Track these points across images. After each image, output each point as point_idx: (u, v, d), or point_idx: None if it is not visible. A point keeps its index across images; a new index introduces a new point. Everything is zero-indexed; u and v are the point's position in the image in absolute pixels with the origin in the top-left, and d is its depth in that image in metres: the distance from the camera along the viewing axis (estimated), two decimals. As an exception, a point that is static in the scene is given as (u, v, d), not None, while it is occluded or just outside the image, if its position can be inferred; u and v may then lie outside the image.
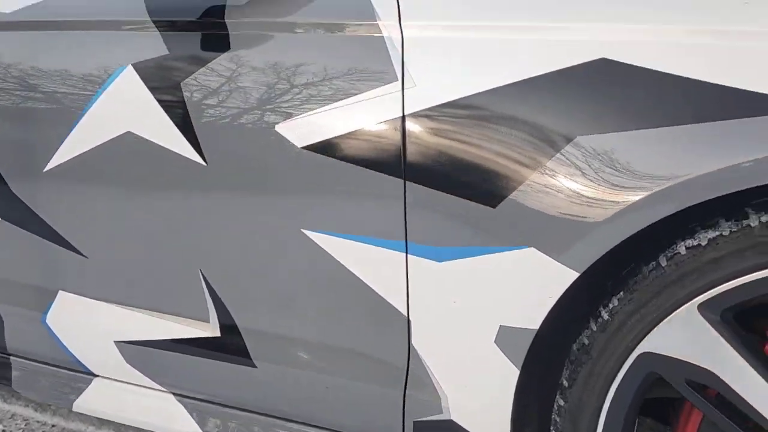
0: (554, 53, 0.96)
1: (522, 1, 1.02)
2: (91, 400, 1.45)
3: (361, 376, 1.17)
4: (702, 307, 0.89)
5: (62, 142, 1.29)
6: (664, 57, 0.91)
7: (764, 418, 0.90)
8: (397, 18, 1.06)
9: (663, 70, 0.90)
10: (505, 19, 1.01)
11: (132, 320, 1.33)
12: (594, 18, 0.96)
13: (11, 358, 1.52)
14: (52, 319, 1.42)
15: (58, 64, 1.30)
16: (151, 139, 1.21)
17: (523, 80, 0.97)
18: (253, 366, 1.24)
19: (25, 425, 1.82)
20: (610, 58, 0.93)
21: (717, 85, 0.87)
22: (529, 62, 0.97)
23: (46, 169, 1.32)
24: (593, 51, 0.94)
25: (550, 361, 1.09)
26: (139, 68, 1.22)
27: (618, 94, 0.92)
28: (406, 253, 1.06)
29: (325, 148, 1.08)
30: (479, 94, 0.99)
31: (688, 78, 0.89)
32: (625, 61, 0.92)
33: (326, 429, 1.25)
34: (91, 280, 1.36)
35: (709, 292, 0.88)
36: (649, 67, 0.91)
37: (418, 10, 1.06)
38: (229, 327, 1.24)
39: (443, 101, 1.01)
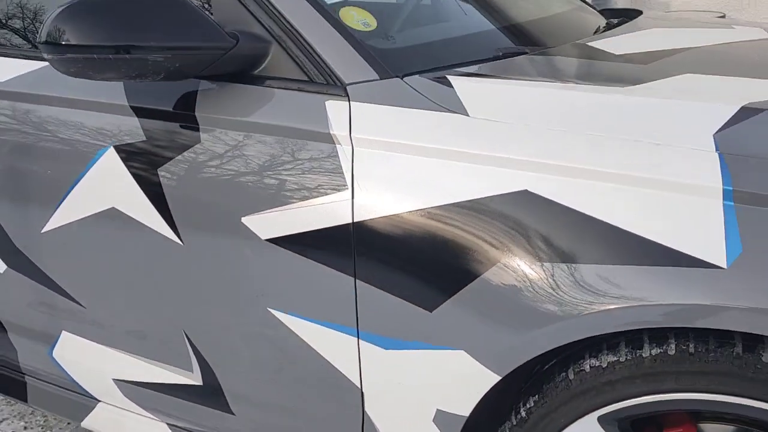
0: (483, 181, 1.06)
1: (462, 130, 1.11)
2: (96, 421, 1.63)
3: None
4: (601, 419, 1.03)
5: (56, 208, 1.42)
6: (577, 196, 1.01)
7: None
8: (348, 130, 1.16)
9: (575, 209, 1.01)
10: (444, 144, 1.10)
11: (127, 363, 1.49)
12: (522, 152, 1.06)
13: (26, 377, 1.70)
14: (57, 353, 1.59)
15: (49, 140, 1.42)
16: (133, 216, 1.34)
17: (454, 203, 1.07)
18: (231, 413, 1.40)
19: (44, 422, 2.04)
20: (532, 191, 1.03)
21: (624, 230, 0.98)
22: (460, 187, 1.07)
23: (43, 231, 1.46)
24: (517, 182, 1.04)
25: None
26: (120, 151, 1.33)
27: (535, 225, 1.03)
28: (358, 338, 1.20)
29: (286, 243, 1.20)
30: (416, 211, 1.10)
31: (592, 217, 0.99)
32: (544, 196, 1.02)
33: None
34: (90, 326, 1.51)
35: (606, 407, 1.02)
36: (564, 204, 1.01)
37: (367, 125, 1.15)
38: (210, 379, 1.40)
39: (386, 213, 1.12)
